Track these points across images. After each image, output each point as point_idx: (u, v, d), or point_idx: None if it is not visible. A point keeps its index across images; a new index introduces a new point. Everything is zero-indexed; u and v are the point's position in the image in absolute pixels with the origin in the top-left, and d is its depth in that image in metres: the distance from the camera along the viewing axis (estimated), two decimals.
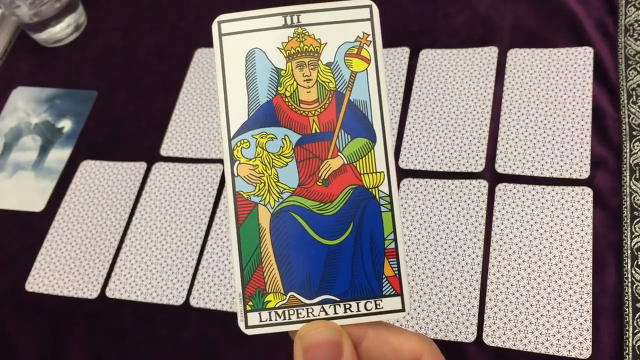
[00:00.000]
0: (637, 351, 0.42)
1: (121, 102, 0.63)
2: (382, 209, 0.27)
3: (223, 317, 0.48)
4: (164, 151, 0.58)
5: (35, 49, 0.69)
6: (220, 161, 0.56)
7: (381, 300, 0.27)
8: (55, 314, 0.52)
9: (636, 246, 0.45)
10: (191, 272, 0.51)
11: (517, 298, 0.44)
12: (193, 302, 0.49)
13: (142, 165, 0.58)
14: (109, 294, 0.51)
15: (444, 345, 0.44)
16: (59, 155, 0.61)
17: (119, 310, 0.51)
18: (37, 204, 0.58)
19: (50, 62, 0.68)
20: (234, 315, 0.48)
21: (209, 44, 0.64)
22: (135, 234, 0.54)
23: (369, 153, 0.27)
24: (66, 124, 0.63)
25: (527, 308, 0.44)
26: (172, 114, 0.60)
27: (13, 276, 0.54)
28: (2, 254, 0.56)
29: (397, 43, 0.59)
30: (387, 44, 0.59)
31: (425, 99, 0.55)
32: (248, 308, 0.27)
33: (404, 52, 0.58)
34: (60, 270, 0.53)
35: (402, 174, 0.52)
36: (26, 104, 0.65)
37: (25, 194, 0.59)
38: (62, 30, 0.68)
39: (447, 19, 0.59)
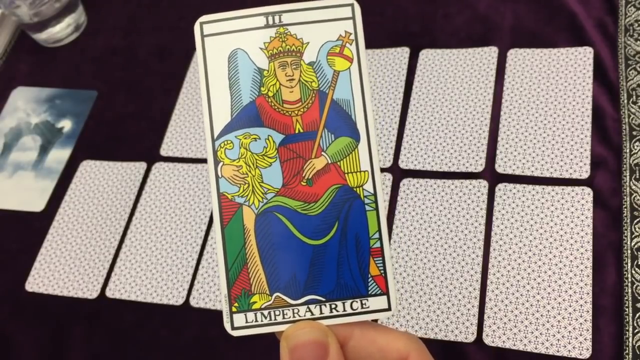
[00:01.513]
0: (637, 351, 0.42)
1: (121, 102, 0.63)
2: (367, 208, 0.27)
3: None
4: (164, 151, 0.58)
5: (35, 49, 0.69)
6: None
7: (367, 300, 0.26)
8: (55, 314, 0.52)
9: (636, 246, 0.45)
10: (191, 272, 0.51)
11: (517, 298, 0.44)
12: (193, 302, 0.49)
13: (142, 165, 0.58)
14: (109, 294, 0.51)
15: (444, 345, 0.44)
16: (59, 155, 0.61)
17: (119, 310, 0.51)
18: (37, 204, 0.58)
19: (50, 62, 0.68)
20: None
21: None
22: (135, 234, 0.54)
23: (353, 152, 0.27)
24: (66, 124, 0.63)
25: (527, 308, 0.44)
26: (172, 114, 0.60)
27: (13, 276, 0.54)
28: (2, 254, 0.56)
29: (397, 43, 0.59)
30: (387, 44, 0.59)
31: (425, 99, 0.55)
32: (234, 309, 0.27)
33: (404, 52, 0.58)
34: (60, 270, 0.53)
35: (402, 174, 0.52)
36: (26, 104, 0.65)
37: (25, 194, 0.59)
38: (62, 30, 0.68)
39: (447, 19, 0.59)
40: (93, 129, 0.62)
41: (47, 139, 0.62)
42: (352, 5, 0.27)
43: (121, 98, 0.63)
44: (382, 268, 0.27)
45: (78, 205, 0.57)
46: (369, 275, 0.26)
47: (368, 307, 0.26)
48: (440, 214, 0.49)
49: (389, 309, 0.26)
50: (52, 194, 0.58)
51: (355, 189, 0.27)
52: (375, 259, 0.27)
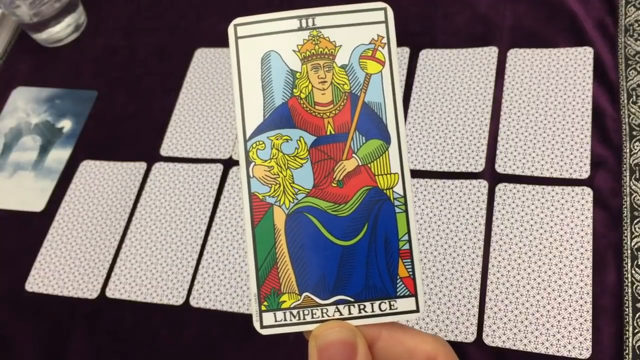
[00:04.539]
0: (637, 351, 0.42)
1: (121, 102, 0.63)
2: (397, 210, 0.27)
3: (223, 317, 0.48)
4: (164, 151, 0.58)
5: (35, 49, 0.69)
6: (220, 161, 0.56)
7: (395, 301, 0.27)
8: (55, 314, 0.52)
9: (636, 246, 0.45)
10: (191, 272, 0.51)
11: (517, 298, 0.44)
12: (193, 302, 0.49)
13: (142, 165, 0.58)
14: (109, 294, 0.51)
15: None
16: (59, 155, 0.61)
17: (119, 310, 0.51)
18: (37, 204, 0.58)
19: (50, 62, 0.68)
20: (234, 315, 0.48)
21: (209, 44, 0.64)
22: (135, 234, 0.54)
23: (384, 154, 0.27)
24: (66, 124, 0.63)
25: (527, 308, 0.44)
26: (172, 114, 0.60)
27: (13, 276, 0.54)
28: (2, 254, 0.56)
29: (398, 43, 0.58)
30: None
31: (425, 99, 0.55)
32: (263, 308, 0.27)
33: (404, 52, 0.58)
34: (60, 270, 0.53)
35: None
36: (26, 104, 0.65)
37: (25, 194, 0.59)
38: (62, 30, 0.68)
39: (447, 19, 0.59)
40: (93, 129, 0.62)
41: (47, 139, 0.62)
42: (384, 9, 0.28)
43: (121, 98, 0.63)
44: (410, 270, 0.27)
45: (78, 205, 0.57)
46: (398, 277, 0.27)
47: (396, 308, 0.27)
48: (440, 214, 0.49)
49: (417, 310, 0.27)
50: (52, 194, 0.58)
51: (385, 191, 0.27)
52: (404, 261, 0.27)
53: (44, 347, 0.50)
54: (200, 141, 0.58)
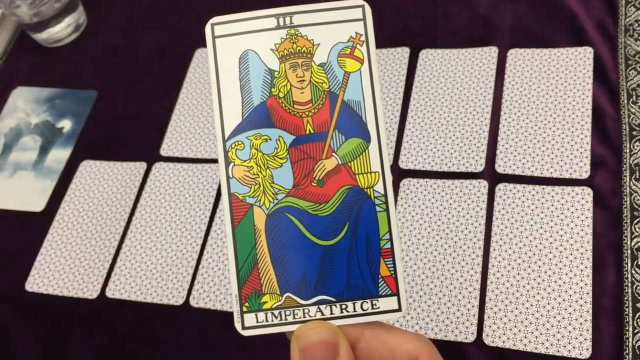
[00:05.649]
0: (637, 351, 0.42)
1: (121, 102, 0.63)
2: (378, 209, 0.27)
3: (223, 317, 0.48)
4: (164, 151, 0.58)
5: (35, 49, 0.69)
6: None
7: (377, 300, 0.26)
8: (55, 314, 0.52)
9: (636, 246, 0.45)
10: (191, 272, 0.51)
11: (517, 298, 0.44)
12: (193, 302, 0.49)
13: (142, 165, 0.58)
14: (109, 294, 0.51)
15: (444, 345, 0.44)
16: (59, 155, 0.61)
17: (119, 310, 0.51)
18: (37, 204, 0.58)
19: (50, 62, 0.68)
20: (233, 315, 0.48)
21: None
22: (135, 234, 0.54)
23: (364, 153, 0.27)
24: (66, 124, 0.63)
25: (527, 308, 0.44)
26: (172, 114, 0.60)
27: (13, 276, 0.54)
28: (2, 254, 0.56)
29: (397, 43, 0.59)
30: (387, 44, 0.59)
31: (425, 99, 0.55)
32: (244, 309, 0.27)
33: (404, 52, 0.58)
34: (60, 270, 0.53)
35: (402, 174, 0.52)
36: (26, 104, 0.65)
37: (25, 194, 0.59)
38: (62, 30, 0.68)
39: (447, 19, 0.59)
40: (93, 129, 0.62)
41: (47, 139, 0.62)
42: (362, 6, 0.27)
43: (121, 98, 0.63)
44: (392, 269, 0.27)
45: (78, 205, 0.57)
46: (379, 276, 0.27)
47: (378, 307, 0.26)
48: (440, 214, 0.49)
49: (399, 309, 0.26)
50: (52, 194, 0.58)
51: (365, 190, 0.27)
52: (385, 260, 0.27)
53: (44, 347, 0.50)
54: (200, 141, 0.58)
